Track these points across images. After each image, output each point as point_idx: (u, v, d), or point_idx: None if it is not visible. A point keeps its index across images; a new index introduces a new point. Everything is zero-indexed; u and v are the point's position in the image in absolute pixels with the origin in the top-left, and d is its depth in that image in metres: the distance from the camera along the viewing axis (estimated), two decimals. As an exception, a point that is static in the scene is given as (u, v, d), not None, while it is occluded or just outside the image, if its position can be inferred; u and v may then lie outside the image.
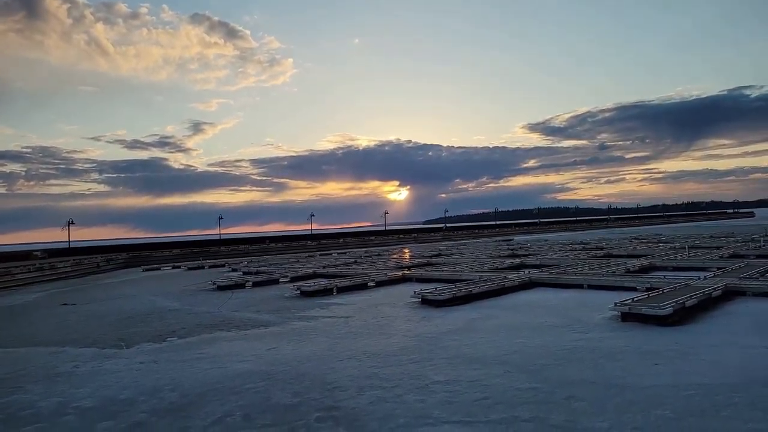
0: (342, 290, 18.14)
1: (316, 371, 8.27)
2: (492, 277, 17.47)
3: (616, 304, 11.31)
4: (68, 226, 52.58)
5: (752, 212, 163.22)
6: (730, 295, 13.48)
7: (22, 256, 42.27)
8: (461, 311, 13.19)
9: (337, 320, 12.79)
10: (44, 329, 13.67)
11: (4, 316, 16.74)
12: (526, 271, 19.33)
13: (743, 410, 5.81)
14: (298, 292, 17.90)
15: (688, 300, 11.53)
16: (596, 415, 5.86)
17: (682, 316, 10.97)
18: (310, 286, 17.99)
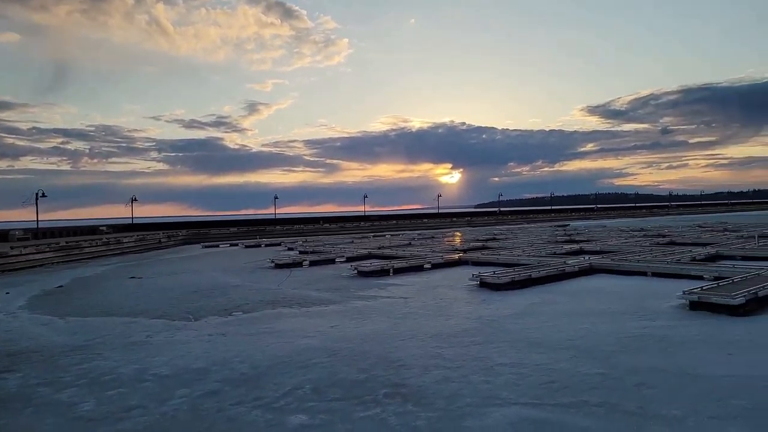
0: (398, 271, 18.30)
1: (380, 349, 8.44)
2: (551, 262, 17.20)
3: (684, 292, 10.94)
4: (131, 203, 55.17)
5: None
6: (808, 286, 12.75)
7: (89, 230, 44.75)
8: (521, 295, 13.09)
9: (396, 300, 12.95)
10: (116, 300, 14.48)
11: (78, 286, 17.81)
12: (586, 257, 18.91)
13: (830, 405, 5.56)
14: (356, 271, 18.18)
15: (761, 290, 11.01)
16: (669, 403, 5.74)
17: (754, 307, 10.50)
18: (367, 266, 18.24)
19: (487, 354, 7.96)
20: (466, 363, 7.53)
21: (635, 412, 5.53)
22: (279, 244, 36.05)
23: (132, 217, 54.39)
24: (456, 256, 21.13)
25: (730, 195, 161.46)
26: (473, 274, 15.01)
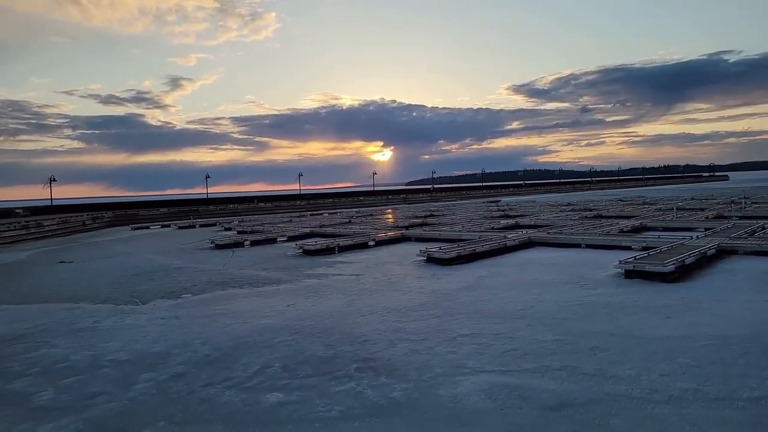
0: (344, 249, 18.34)
1: (342, 326, 8.51)
2: (492, 237, 17.80)
3: (620, 261, 11.69)
4: (50, 183, 51.52)
5: (726, 176, 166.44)
6: (722, 253, 13.98)
7: (4, 213, 41.57)
8: (468, 269, 13.51)
9: (347, 278, 13.02)
10: (49, 286, 13.67)
11: (3, 273, 16.64)
12: (524, 231, 19.71)
13: (759, 358, 6.19)
14: (301, 250, 18.05)
15: (687, 258, 11.96)
16: (622, 364, 6.20)
17: (682, 273, 11.40)
18: (312, 244, 18.14)
19: (448, 326, 8.22)
20: (429, 335, 7.75)
21: (594, 374, 5.93)
22: (214, 225, 35.05)
23: (51, 199, 50.91)
24: (399, 233, 21.41)
25: (644, 170, 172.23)
26: (420, 250, 15.31)
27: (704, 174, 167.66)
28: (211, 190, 62.15)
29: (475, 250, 15.28)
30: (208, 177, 59.39)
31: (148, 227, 36.43)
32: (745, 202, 30.47)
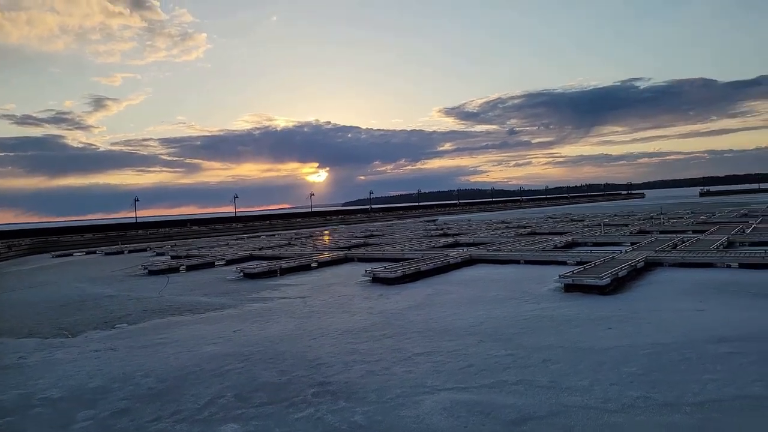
0: (286, 271, 17.99)
1: (294, 350, 8.29)
2: (435, 255, 18.03)
3: (560, 276, 12.13)
4: (-42, 210, 47.60)
5: (643, 193, 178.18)
6: (650, 266, 14.84)
7: None
8: (414, 288, 13.58)
9: (293, 300, 12.74)
10: (-35, 321, 12.52)
11: None
12: (465, 249, 20.11)
13: (697, 364, 6.55)
14: (242, 274, 17.54)
15: (620, 271, 12.59)
16: (575, 375, 6.39)
17: (617, 286, 11.99)
18: (253, 267, 17.67)
19: (402, 345, 8.19)
20: (384, 356, 7.68)
21: (549, 386, 6.07)
22: (145, 250, 33.49)
23: (-42, 226, 46.92)
24: (342, 254, 21.26)
25: (569, 189, 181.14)
26: (366, 270, 15.26)
27: (622, 192, 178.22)
28: (139, 213, 59.50)
29: (419, 268, 15.40)
30: (137, 200, 56.85)
31: (71, 254, 34.28)
32: (663, 218, 32.55)
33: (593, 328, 8.64)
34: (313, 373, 7.09)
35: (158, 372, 7.51)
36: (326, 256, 20.66)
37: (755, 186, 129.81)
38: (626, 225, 29.50)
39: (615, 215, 41.72)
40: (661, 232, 24.84)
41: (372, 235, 32.57)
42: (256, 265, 18.50)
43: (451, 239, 25.89)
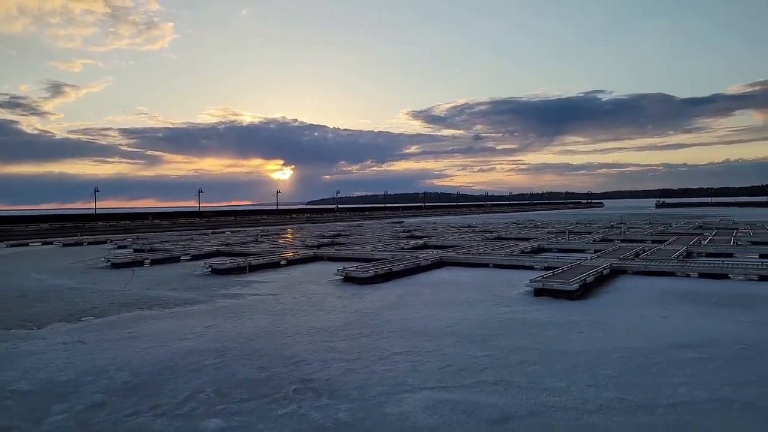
0: (255, 268, 17.79)
1: (270, 347, 8.23)
2: (405, 257, 18.15)
3: (530, 280, 12.42)
4: None
5: (602, 203, 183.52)
6: (615, 273, 15.32)
7: None
8: (386, 288, 13.65)
9: (265, 297, 12.62)
10: None
11: None
12: (435, 251, 20.30)
13: (667, 368, 6.83)
14: (209, 269, 17.25)
15: (588, 277, 12.96)
16: (551, 376, 6.57)
17: (584, 291, 12.33)
18: (221, 263, 17.42)
19: (379, 344, 8.24)
20: (362, 354, 7.72)
21: (528, 387, 6.22)
22: (105, 242, 32.50)
23: None
24: (311, 252, 21.17)
25: (532, 196, 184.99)
26: (338, 269, 15.24)
27: (582, 201, 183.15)
28: (97, 205, 57.68)
29: (391, 269, 15.49)
30: (97, 191, 55.18)
31: (26, 244, 32.99)
32: (624, 228, 33.62)
33: (565, 331, 8.88)
34: (293, 370, 7.06)
35: (132, 366, 7.34)
36: (295, 254, 20.53)
37: (707, 199, 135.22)
38: (589, 233, 30.32)
39: (577, 223, 42.82)
40: (623, 241, 25.62)
41: (340, 235, 32.50)
42: (225, 261, 18.24)
43: (419, 241, 26.08)
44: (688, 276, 14.49)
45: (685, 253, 18.90)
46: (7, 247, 31.58)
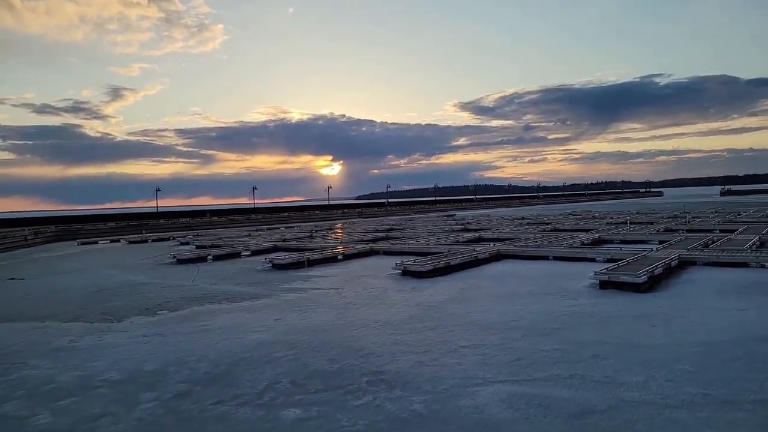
0: (314, 263, 18.15)
1: (339, 339, 8.41)
2: (462, 250, 18.06)
3: (595, 272, 12.12)
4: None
5: (661, 191, 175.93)
6: (684, 264, 14.74)
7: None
8: (446, 281, 13.65)
9: (327, 291, 12.88)
10: (6, 305, 12.81)
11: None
12: (492, 244, 20.10)
13: (749, 363, 6.55)
14: (270, 265, 17.73)
15: (656, 269, 12.53)
16: (627, 371, 6.42)
17: (653, 284, 11.93)
18: (281, 258, 17.85)
19: (445, 338, 8.27)
20: (430, 347, 7.77)
21: (604, 381, 6.11)
22: (168, 239, 33.92)
23: (-15, 212, 47.83)
24: (367, 247, 21.38)
25: (586, 186, 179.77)
26: (396, 263, 15.35)
27: (641, 190, 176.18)
28: (154, 204, 60.04)
29: (449, 262, 15.46)
30: (158, 190, 57.46)
31: (96, 242, 34.83)
32: (688, 217, 32.23)
33: (636, 325, 8.65)
34: (363, 362, 7.19)
35: (210, 357, 7.67)
36: (351, 248, 20.79)
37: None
38: (651, 223, 29.24)
39: (638, 213, 41.33)
40: (688, 231, 24.56)
41: (393, 229, 32.64)
42: (284, 255, 18.68)
43: (474, 234, 25.88)
44: (763, 267, 13.77)
45: (758, 243, 17.94)
46: (78, 245, 33.43)
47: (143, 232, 40.43)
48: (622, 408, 5.31)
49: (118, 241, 35.05)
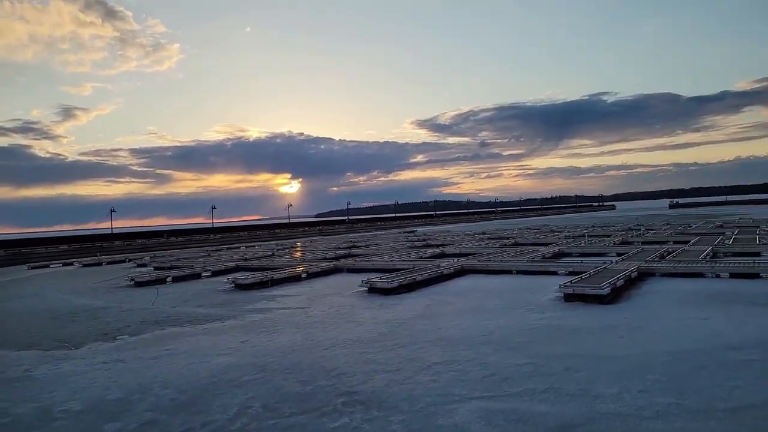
0: (277, 282, 17.83)
1: (309, 360, 8.22)
2: (427, 266, 18.10)
3: (560, 285, 12.32)
4: None
5: (613, 205, 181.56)
6: (643, 275, 15.17)
7: None
8: (412, 298, 13.61)
9: (294, 311, 12.63)
10: (-50, 334, 12.03)
11: None
12: (456, 260, 20.23)
13: (717, 371, 6.72)
14: (233, 285, 17.32)
15: (617, 281, 12.84)
16: (601, 382, 6.48)
17: (615, 295, 12.22)
18: (244, 278, 17.46)
19: (417, 355, 8.20)
20: (402, 365, 7.68)
21: (579, 394, 6.15)
22: (124, 261, 32.77)
23: None
24: (330, 265, 21.17)
25: (541, 201, 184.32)
26: (362, 281, 15.23)
27: (594, 204, 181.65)
28: (108, 225, 58.11)
29: (415, 278, 15.45)
30: (113, 210, 55.63)
31: (47, 266, 33.28)
32: (642, 229, 33.34)
33: (604, 336, 8.80)
34: (336, 382, 7.04)
35: (176, 383, 7.36)
36: (315, 266, 20.54)
37: (722, 198, 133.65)
38: (608, 236, 30.09)
39: (594, 226, 42.51)
40: (644, 243, 25.40)
41: (355, 246, 32.51)
42: (247, 275, 18.29)
43: (436, 250, 26.03)
44: (718, 276, 14.32)
45: (711, 254, 18.67)
46: (29, 269, 31.89)
47: (97, 254, 38.93)
48: (600, 421, 5.34)
49: (71, 264, 33.62)
